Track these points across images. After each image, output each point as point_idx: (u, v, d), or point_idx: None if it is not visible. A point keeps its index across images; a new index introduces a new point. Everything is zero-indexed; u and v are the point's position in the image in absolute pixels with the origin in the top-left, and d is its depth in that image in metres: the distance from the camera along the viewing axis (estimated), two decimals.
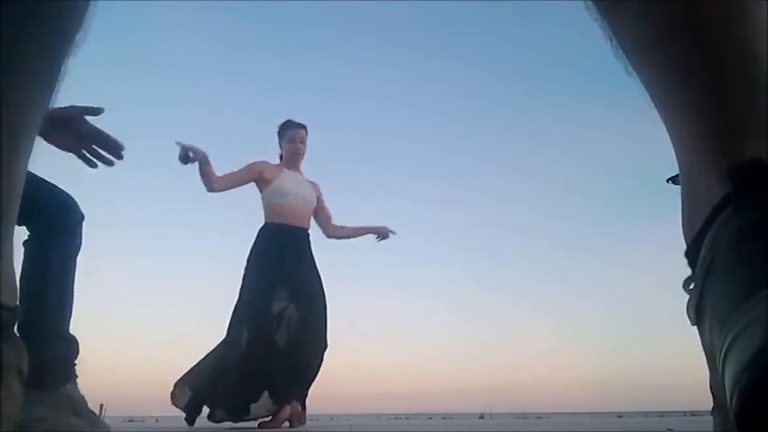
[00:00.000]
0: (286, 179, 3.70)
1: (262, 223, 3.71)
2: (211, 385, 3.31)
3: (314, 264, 3.67)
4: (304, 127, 3.83)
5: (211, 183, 3.51)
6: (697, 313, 0.44)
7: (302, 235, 3.70)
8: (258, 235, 3.67)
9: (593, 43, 0.55)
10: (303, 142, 3.78)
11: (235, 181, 3.65)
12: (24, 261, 1.91)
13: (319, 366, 3.47)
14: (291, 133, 3.78)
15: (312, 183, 3.87)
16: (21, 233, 1.94)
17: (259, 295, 3.44)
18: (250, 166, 3.72)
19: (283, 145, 3.81)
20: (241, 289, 3.56)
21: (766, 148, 0.42)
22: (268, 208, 3.70)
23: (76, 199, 2.05)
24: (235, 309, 3.53)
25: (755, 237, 0.39)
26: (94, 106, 1.82)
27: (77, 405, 1.90)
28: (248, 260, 3.61)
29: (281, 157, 3.85)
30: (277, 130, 3.86)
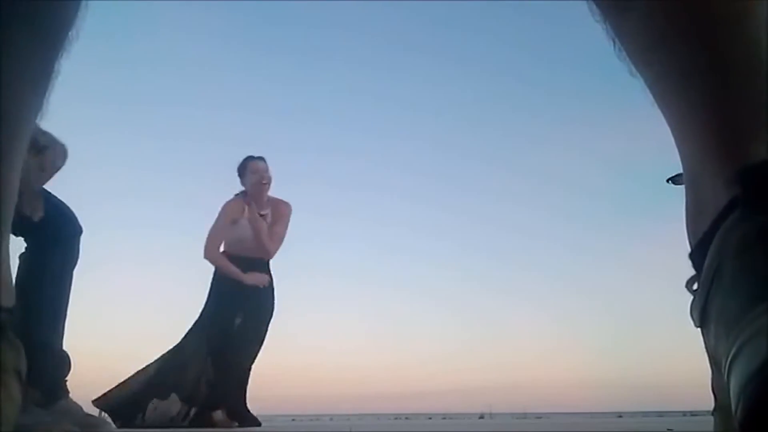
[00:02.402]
0: (246, 224, 3.70)
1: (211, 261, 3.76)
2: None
3: (271, 291, 3.74)
4: (265, 165, 3.76)
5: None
6: (702, 317, 0.43)
7: (261, 264, 3.73)
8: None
9: (594, 43, 0.54)
10: (267, 183, 3.74)
11: (221, 237, 3.73)
12: (19, 274, 1.85)
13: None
14: (255, 178, 3.72)
15: (279, 209, 3.80)
16: (17, 245, 1.90)
17: (218, 320, 3.59)
18: (222, 215, 3.74)
19: (247, 182, 3.75)
20: (204, 308, 3.69)
21: None
22: (227, 244, 3.75)
23: (81, 199, 2.02)
24: (196, 324, 3.66)
25: (763, 243, 0.38)
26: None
27: (74, 417, 1.88)
28: (212, 282, 3.71)
29: (244, 193, 3.80)
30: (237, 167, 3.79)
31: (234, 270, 3.63)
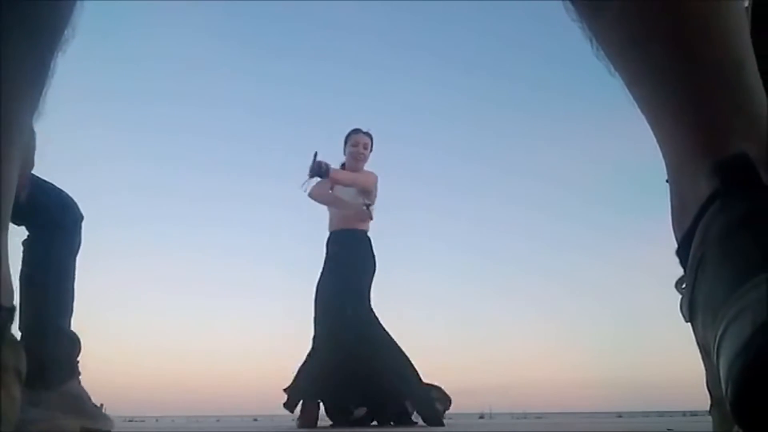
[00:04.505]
0: (340, 191, 3.85)
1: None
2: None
3: (356, 264, 3.77)
4: (370, 135, 3.98)
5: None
6: (690, 309, 0.44)
7: (355, 236, 3.84)
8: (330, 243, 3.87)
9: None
10: (366, 147, 3.93)
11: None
12: (23, 260, 1.91)
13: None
14: (356, 138, 3.94)
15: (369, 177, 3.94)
16: (20, 232, 1.94)
17: (329, 301, 3.64)
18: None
19: (348, 149, 3.95)
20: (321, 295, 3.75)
21: (749, 143, 0.42)
22: (332, 224, 3.92)
23: (78, 197, 2.05)
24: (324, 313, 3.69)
25: (743, 229, 0.39)
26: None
27: (79, 402, 1.90)
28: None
29: (343, 165, 3.97)
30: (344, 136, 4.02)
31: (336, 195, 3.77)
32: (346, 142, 3.98)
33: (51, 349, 1.83)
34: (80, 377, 1.99)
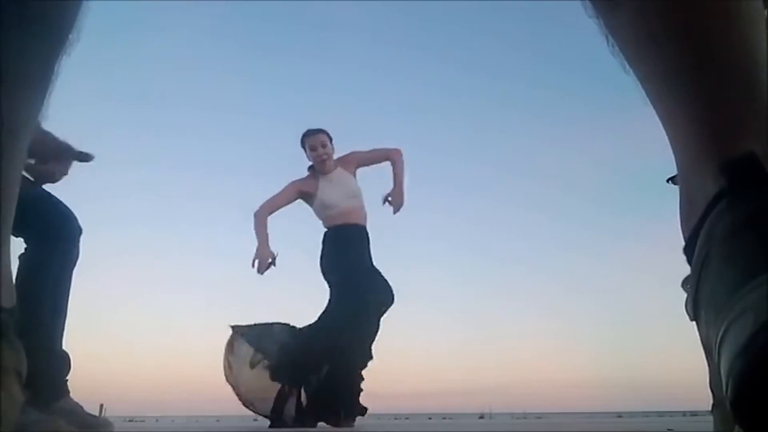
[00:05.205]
0: (327, 189, 3.75)
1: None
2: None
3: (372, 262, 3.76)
4: (323, 131, 3.84)
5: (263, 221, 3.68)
6: (694, 308, 0.44)
7: (363, 234, 3.76)
8: (325, 240, 3.72)
9: (593, 43, 0.55)
10: (324, 146, 3.78)
11: (278, 205, 3.78)
12: (18, 274, 1.85)
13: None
14: (310, 142, 3.79)
15: (346, 161, 3.85)
16: (17, 246, 1.91)
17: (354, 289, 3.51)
18: (289, 187, 3.81)
19: (308, 154, 3.82)
20: (336, 291, 3.62)
21: (759, 143, 0.43)
22: (325, 218, 3.78)
23: (78, 198, 2.03)
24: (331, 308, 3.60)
25: (748, 229, 0.39)
26: (87, 152, 1.68)
27: (72, 416, 1.88)
28: (324, 265, 3.66)
29: (311, 168, 3.86)
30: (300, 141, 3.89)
31: (262, 238, 3.64)
32: (304, 149, 3.83)
33: (42, 370, 1.80)
34: (70, 395, 1.97)
